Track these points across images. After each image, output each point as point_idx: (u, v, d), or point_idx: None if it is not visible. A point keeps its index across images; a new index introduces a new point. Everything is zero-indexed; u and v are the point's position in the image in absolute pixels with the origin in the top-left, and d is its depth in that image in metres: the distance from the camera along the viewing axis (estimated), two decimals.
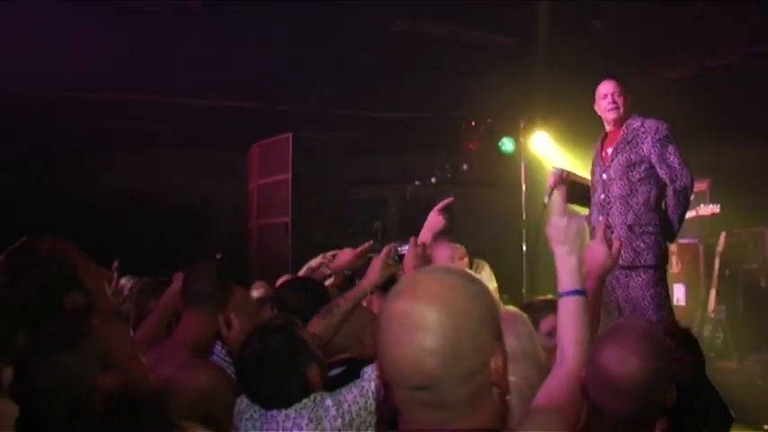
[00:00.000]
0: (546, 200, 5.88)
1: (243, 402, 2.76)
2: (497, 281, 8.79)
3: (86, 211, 9.17)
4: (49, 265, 2.68)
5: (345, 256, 4.55)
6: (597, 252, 2.88)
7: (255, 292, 5.36)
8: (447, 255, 4.71)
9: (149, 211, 10.10)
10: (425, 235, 3.44)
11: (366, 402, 2.68)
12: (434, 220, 3.48)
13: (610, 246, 2.89)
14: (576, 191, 5.90)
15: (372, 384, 2.66)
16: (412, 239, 3.37)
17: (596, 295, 2.90)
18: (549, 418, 1.95)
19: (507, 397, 1.67)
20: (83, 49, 7.72)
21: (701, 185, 8.00)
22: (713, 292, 7.86)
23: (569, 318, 2.27)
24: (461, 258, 8.62)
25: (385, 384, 1.65)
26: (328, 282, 4.71)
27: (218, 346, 3.54)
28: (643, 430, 2.25)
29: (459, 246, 8.84)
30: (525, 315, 2.73)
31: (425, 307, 1.55)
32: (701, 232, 8.69)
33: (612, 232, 5.39)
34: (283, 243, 9.78)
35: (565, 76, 8.93)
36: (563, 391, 2.08)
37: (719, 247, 7.93)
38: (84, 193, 9.65)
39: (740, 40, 8.48)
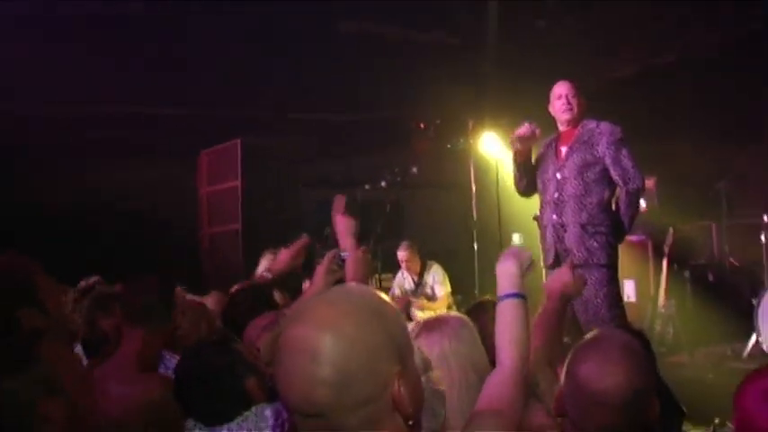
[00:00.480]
0: (510, 140, 5.82)
1: (190, 422, 2.71)
2: (450, 281, 8.86)
3: (34, 221, 9.00)
4: (3, 279, 2.62)
5: (283, 256, 4.53)
6: (562, 274, 2.91)
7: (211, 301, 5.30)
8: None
9: (97, 221, 9.94)
10: (345, 241, 3.44)
11: None
12: (343, 224, 3.47)
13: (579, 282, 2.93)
14: (528, 165, 5.87)
15: None
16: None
17: (559, 316, 2.91)
18: (490, 421, 1.95)
19: (410, 422, 1.64)
20: (26, 60, 7.60)
21: (648, 182, 8.09)
22: (663, 288, 7.94)
23: (506, 320, 2.26)
24: (408, 260, 8.68)
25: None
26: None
27: (174, 360, 3.48)
28: None
29: (411, 246, 8.90)
30: (468, 319, 2.73)
31: (317, 334, 1.53)
32: (649, 228, 8.78)
33: (566, 230, 5.51)
34: (235, 250, 9.71)
35: (512, 77, 8.98)
36: (502, 394, 2.07)
37: (667, 243, 8.01)
38: (34, 202, 9.47)
39: (682, 40, 8.61)
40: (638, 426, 2.16)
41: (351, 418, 1.52)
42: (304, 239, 4.53)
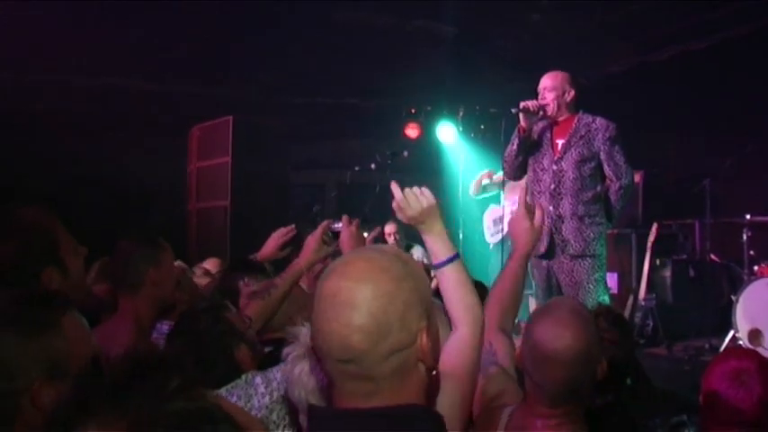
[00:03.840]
0: (513, 110, 5.77)
1: None
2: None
3: (18, 193, 8.98)
4: (30, 235, 2.58)
5: (271, 245, 4.42)
6: (520, 227, 3.00)
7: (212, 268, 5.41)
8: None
9: (86, 194, 9.93)
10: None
11: None
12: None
13: (532, 213, 3.01)
14: (528, 143, 5.86)
15: None
16: (344, 218, 3.42)
17: (517, 278, 3.00)
18: (448, 385, 2.07)
19: (434, 372, 1.80)
20: (14, 29, 7.57)
21: (635, 177, 8.20)
22: (644, 281, 8.04)
23: (452, 286, 2.34)
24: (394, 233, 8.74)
25: (316, 357, 1.78)
26: None
27: (166, 326, 3.49)
28: (577, 399, 2.37)
29: (398, 223, 8.91)
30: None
31: (355, 286, 1.69)
32: (634, 223, 8.88)
33: (563, 222, 5.65)
34: (222, 227, 9.72)
35: (505, 68, 9.03)
36: (457, 357, 2.19)
37: (651, 238, 8.10)
38: (25, 173, 9.43)
39: (676, 37, 8.68)
40: (586, 381, 2.36)
41: (382, 366, 1.68)
42: (290, 229, 4.45)
